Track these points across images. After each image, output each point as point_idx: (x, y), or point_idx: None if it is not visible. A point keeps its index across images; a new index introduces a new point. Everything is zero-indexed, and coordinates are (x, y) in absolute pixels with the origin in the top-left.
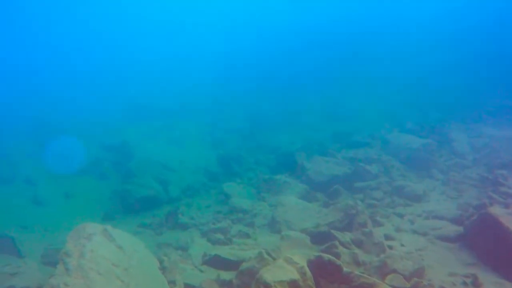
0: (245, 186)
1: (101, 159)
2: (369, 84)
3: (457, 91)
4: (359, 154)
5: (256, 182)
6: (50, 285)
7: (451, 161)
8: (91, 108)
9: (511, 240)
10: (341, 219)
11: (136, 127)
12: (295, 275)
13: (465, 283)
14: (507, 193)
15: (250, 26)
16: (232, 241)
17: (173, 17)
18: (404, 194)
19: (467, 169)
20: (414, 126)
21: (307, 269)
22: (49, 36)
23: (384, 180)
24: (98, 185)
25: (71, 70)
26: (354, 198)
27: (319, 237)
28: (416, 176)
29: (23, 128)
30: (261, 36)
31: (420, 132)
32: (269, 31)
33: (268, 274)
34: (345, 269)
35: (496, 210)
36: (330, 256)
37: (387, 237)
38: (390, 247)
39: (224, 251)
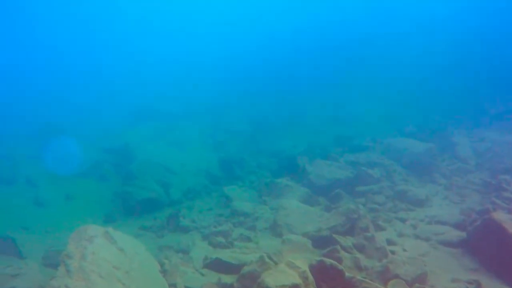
0: (247, 189)
1: (102, 161)
2: (370, 87)
3: (458, 94)
4: (361, 158)
5: (258, 186)
6: (51, 287)
7: (453, 165)
8: (92, 110)
9: None
10: (343, 223)
11: (138, 129)
12: (297, 280)
13: None
14: (511, 198)
15: (253, 29)
16: (234, 244)
17: (175, 20)
18: (406, 199)
19: (469, 174)
20: (416, 130)
21: (309, 274)
22: (51, 37)
23: (386, 184)
24: (99, 187)
25: (73, 72)
26: (356, 202)
27: (321, 241)
28: (418, 181)
29: (25, 130)
30: (264, 39)
31: (422, 136)
32: (271, 35)
33: (270, 279)
34: (347, 274)
35: (500, 216)
36: (332, 261)
37: (389, 242)
38: (392, 252)
39: (226, 255)
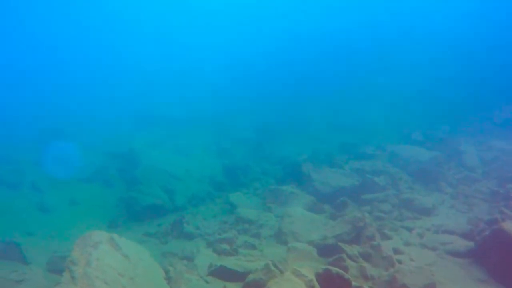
0: (251, 196)
1: (107, 166)
2: (376, 94)
3: (464, 102)
4: (367, 165)
5: (262, 193)
6: None
7: (460, 174)
8: (98, 116)
9: None
10: (349, 231)
11: (142, 135)
12: None
13: None
14: None
15: (257, 36)
16: (238, 251)
17: (180, 26)
18: (412, 207)
19: (477, 182)
20: (422, 137)
21: (315, 283)
22: (55, 42)
23: (392, 192)
24: (104, 192)
25: (77, 78)
26: (361, 211)
27: (326, 250)
28: (425, 189)
29: (30, 134)
30: (268, 46)
31: (428, 144)
32: (276, 42)
33: (276, 287)
34: (353, 283)
35: (510, 226)
36: (338, 270)
37: (396, 251)
38: (399, 262)
39: (230, 262)
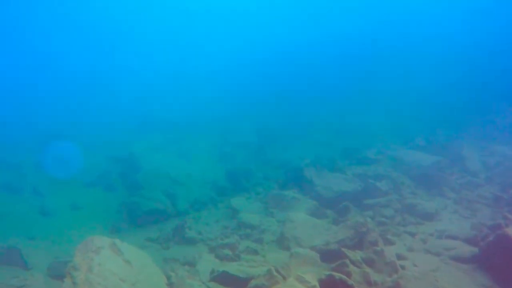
0: (254, 201)
1: (109, 170)
2: (378, 99)
3: (467, 107)
4: (369, 170)
5: (265, 197)
6: None
7: (463, 179)
8: (100, 121)
9: None
10: (352, 237)
11: (144, 139)
12: None
13: None
14: None
15: (261, 40)
16: (240, 257)
17: (182, 31)
18: (415, 212)
19: (480, 187)
20: (424, 142)
21: None
22: (57, 47)
23: (394, 197)
24: (105, 196)
25: (82, 84)
26: (363, 216)
27: (329, 255)
28: (427, 194)
29: (32, 138)
30: (271, 50)
31: (430, 149)
32: (279, 46)
33: None
34: None
35: None
36: (341, 275)
37: (399, 257)
38: (403, 267)
39: (233, 268)
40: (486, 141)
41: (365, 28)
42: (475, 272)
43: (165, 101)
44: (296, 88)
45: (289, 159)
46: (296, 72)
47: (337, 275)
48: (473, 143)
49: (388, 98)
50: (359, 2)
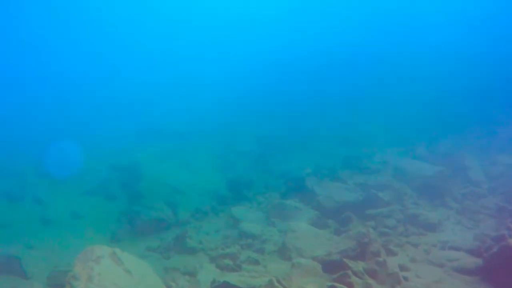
0: (255, 210)
1: (110, 179)
2: (380, 108)
3: (469, 116)
4: (371, 180)
5: (266, 207)
6: None
7: (465, 189)
8: (102, 129)
9: None
10: (354, 247)
11: (146, 148)
12: None
13: None
14: None
15: (262, 48)
16: (242, 267)
17: (184, 38)
18: (418, 223)
19: (483, 198)
20: (426, 152)
21: None
22: (58, 56)
23: (396, 207)
24: (106, 205)
25: (84, 91)
26: (365, 226)
27: (331, 266)
28: (430, 205)
29: (33, 146)
30: (272, 59)
31: (432, 159)
32: (280, 53)
33: None
34: None
35: None
36: (343, 286)
37: (402, 268)
38: (405, 278)
39: (234, 278)
40: (489, 150)
41: (367, 37)
42: (478, 284)
43: (166, 110)
44: (297, 96)
45: (291, 168)
46: (297, 80)
47: (339, 286)
48: (475, 153)
49: (390, 107)
50: (359, 10)
